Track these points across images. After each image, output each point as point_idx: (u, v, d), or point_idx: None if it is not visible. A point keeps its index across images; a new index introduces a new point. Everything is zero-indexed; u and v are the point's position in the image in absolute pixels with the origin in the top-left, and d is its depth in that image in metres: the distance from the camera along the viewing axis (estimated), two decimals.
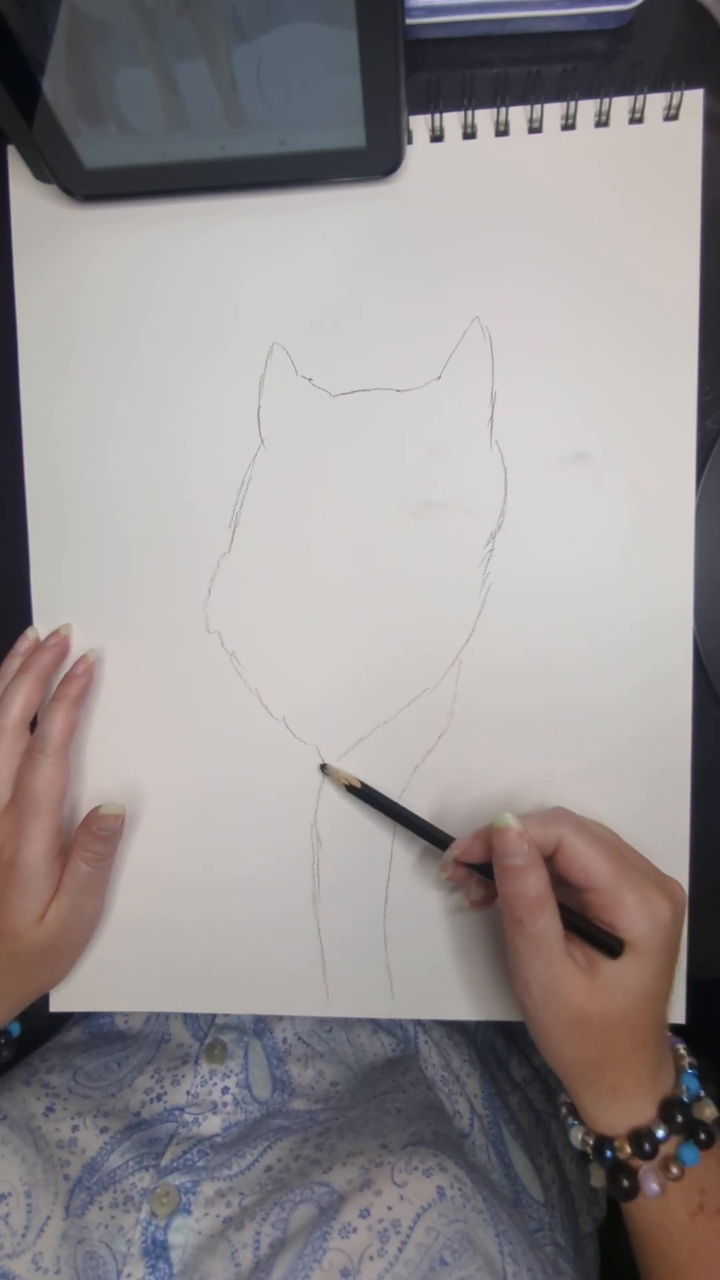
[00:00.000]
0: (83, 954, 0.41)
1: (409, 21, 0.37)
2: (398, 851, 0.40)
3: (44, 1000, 0.42)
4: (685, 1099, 0.34)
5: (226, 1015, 0.46)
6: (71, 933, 0.39)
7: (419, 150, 0.38)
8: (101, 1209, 0.37)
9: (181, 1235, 0.36)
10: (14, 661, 0.40)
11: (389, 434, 0.39)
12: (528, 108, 0.37)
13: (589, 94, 0.36)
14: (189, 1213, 0.37)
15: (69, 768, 0.38)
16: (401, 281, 0.38)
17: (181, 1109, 0.42)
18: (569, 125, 0.37)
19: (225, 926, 0.41)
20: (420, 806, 0.39)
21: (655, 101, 0.36)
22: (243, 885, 0.41)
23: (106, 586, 0.41)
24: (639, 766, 0.38)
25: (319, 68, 0.32)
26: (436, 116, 0.37)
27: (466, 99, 0.37)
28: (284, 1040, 0.46)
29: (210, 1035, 0.45)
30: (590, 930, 0.33)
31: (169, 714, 0.41)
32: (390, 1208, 0.34)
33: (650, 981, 0.33)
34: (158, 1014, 0.48)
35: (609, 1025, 0.33)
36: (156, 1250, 0.36)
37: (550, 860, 0.33)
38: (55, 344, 0.40)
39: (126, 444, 0.40)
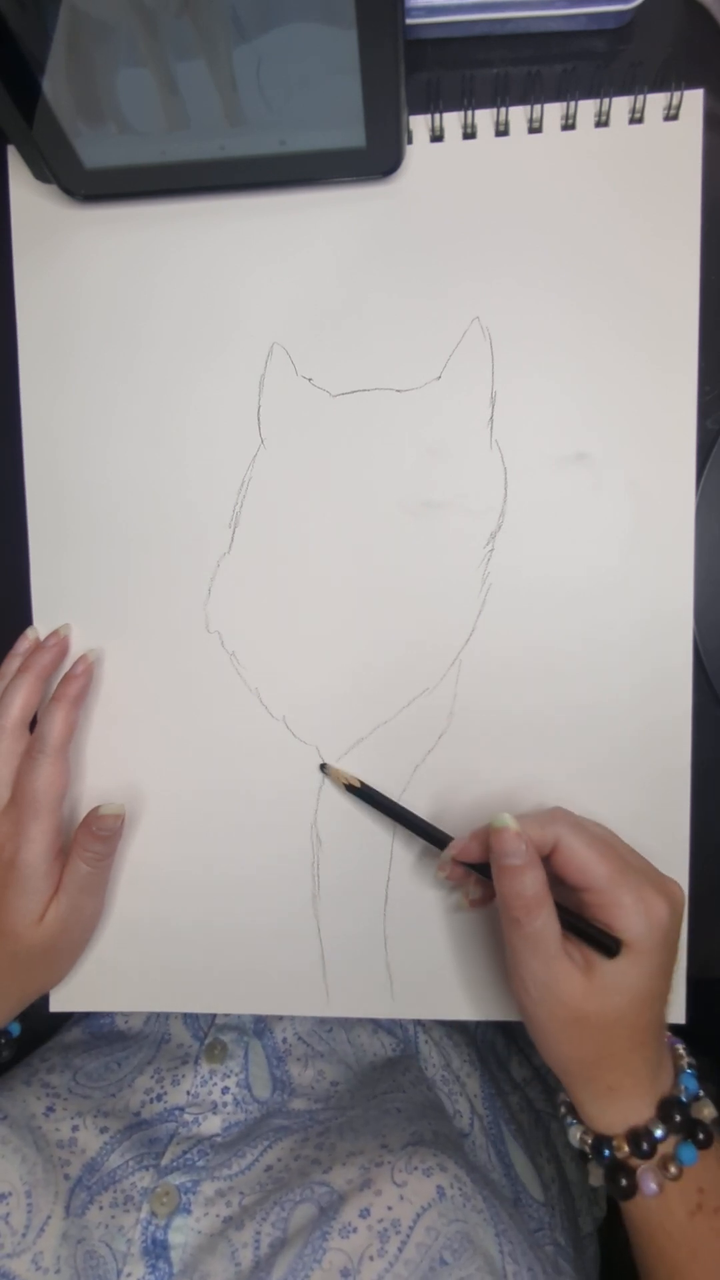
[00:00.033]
0: (83, 954, 0.41)
1: (409, 21, 0.37)
2: (397, 851, 0.40)
3: (44, 1000, 0.42)
4: (684, 1099, 0.34)
5: (226, 1015, 0.46)
6: (71, 933, 0.39)
7: (419, 150, 0.38)
8: (102, 1209, 0.37)
9: (181, 1235, 0.36)
10: (14, 661, 0.40)
11: (389, 434, 0.39)
12: (528, 108, 0.37)
13: (589, 94, 0.36)
14: (189, 1212, 0.37)
15: (69, 768, 0.38)
16: (401, 281, 0.38)
17: (181, 1109, 0.42)
18: (569, 125, 0.37)
19: (225, 926, 0.41)
20: (420, 806, 0.39)
21: (655, 101, 0.36)
22: (243, 885, 0.41)
23: (106, 586, 0.41)
24: (639, 766, 0.38)
25: (319, 68, 0.32)
26: (436, 116, 0.37)
27: (466, 99, 0.37)
28: (284, 1040, 0.46)
29: (210, 1035, 0.45)
30: (587, 930, 0.33)
31: (169, 714, 0.41)
32: (390, 1207, 0.34)
33: (647, 981, 0.33)
34: (158, 1014, 0.48)
35: (606, 1025, 0.33)
36: (156, 1250, 0.36)
37: (548, 860, 0.33)
38: (55, 344, 0.40)
39: (126, 444, 0.40)
